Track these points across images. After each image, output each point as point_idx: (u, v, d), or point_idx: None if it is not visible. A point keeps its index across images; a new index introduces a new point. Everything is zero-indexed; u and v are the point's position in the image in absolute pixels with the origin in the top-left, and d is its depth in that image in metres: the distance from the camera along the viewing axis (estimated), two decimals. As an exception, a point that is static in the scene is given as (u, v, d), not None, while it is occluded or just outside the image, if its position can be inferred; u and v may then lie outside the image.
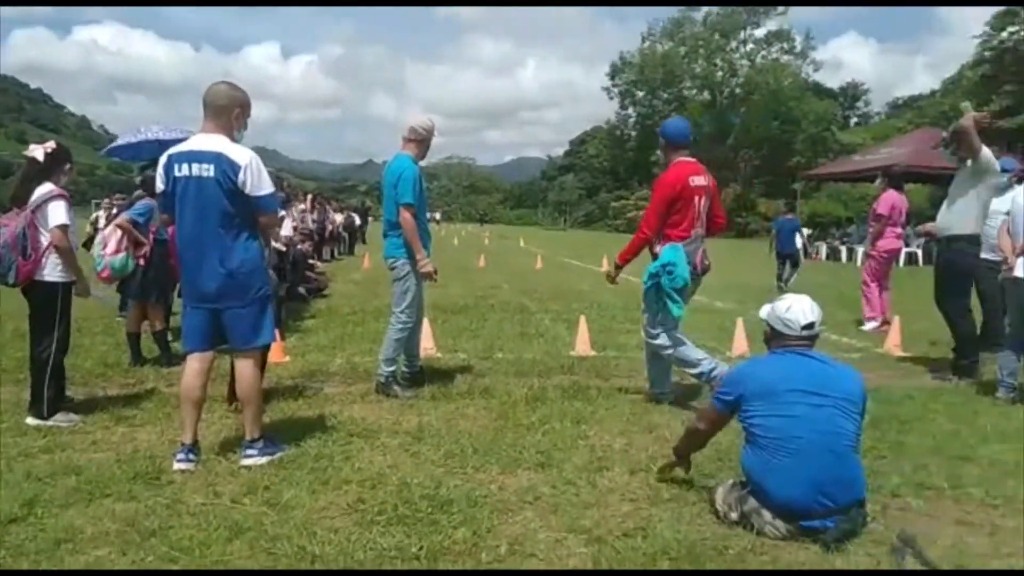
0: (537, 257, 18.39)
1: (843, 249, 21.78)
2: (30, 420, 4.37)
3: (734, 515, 3.02)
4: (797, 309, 3.12)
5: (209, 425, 4.37)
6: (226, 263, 3.62)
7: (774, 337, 3.21)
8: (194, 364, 3.78)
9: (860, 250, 19.39)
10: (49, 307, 4.42)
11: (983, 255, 6.59)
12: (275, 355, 6.18)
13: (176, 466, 3.62)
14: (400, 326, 5.12)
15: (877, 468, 3.65)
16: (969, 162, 5.77)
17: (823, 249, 22.76)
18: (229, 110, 3.68)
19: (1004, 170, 6.78)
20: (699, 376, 4.83)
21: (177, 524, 2.99)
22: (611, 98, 58.91)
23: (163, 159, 3.70)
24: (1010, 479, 3.56)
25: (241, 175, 3.54)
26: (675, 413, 4.68)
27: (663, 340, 4.77)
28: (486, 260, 18.62)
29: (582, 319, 7.06)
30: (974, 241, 5.81)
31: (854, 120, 64.32)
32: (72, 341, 6.59)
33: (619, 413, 4.67)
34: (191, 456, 3.68)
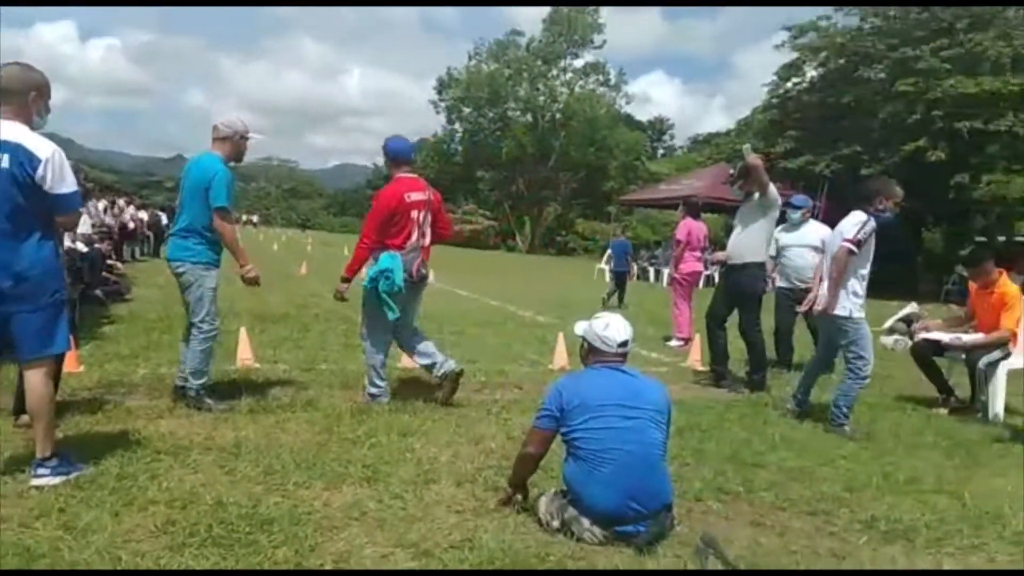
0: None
1: (651, 270, 23.39)
2: None
3: (556, 523, 3.14)
4: (614, 328, 3.32)
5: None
6: (15, 263, 3.27)
7: (591, 352, 3.38)
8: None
9: (666, 271, 20.95)
10: None
11: (780, 284, 7.45)
12: (69, 364, 5.57)
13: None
14: (203, 336, 4.80)
15: (682, 474, 3.95)
16: (756, 196, 6.44)
17: (635, 268, 24.30)
18: (24, 94, 3.34)
19: (796, 206, 7.66)
20: (428, 367, 5.30)
21: (-51, 556, 2.62)
22: (438, 112, 59.32)
23: None
24: (795, 483, 3.99)
25: (40, 169, 3.24)
26: (500, 424, 4.78)
27: (368, 344, 5.20)
28: (308, 267, 18.01)
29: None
30: (762, 267, 6.58)
31: (660, 152, 69.53)
32: None
33: (445, 425, 4.69)
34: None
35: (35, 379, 3.41)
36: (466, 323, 9.59)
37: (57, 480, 3.34)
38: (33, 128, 3.37)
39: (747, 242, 6.47)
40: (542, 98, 56.71)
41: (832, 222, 8.94)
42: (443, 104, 58.56)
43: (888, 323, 11.05)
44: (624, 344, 3.32)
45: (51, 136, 3.50)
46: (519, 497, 3.39)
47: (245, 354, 6.23)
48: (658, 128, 72.82)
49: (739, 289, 6.61)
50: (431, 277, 5.32)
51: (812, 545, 3.19)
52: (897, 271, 19.77)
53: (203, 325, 4.80)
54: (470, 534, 3.07)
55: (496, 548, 2.92)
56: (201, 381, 4.84)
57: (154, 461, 3.72)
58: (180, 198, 4.87)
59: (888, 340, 9.91)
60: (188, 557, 2.72)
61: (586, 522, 3.06)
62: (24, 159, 3.22)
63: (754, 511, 3.57)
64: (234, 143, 4.88)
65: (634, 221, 40.95)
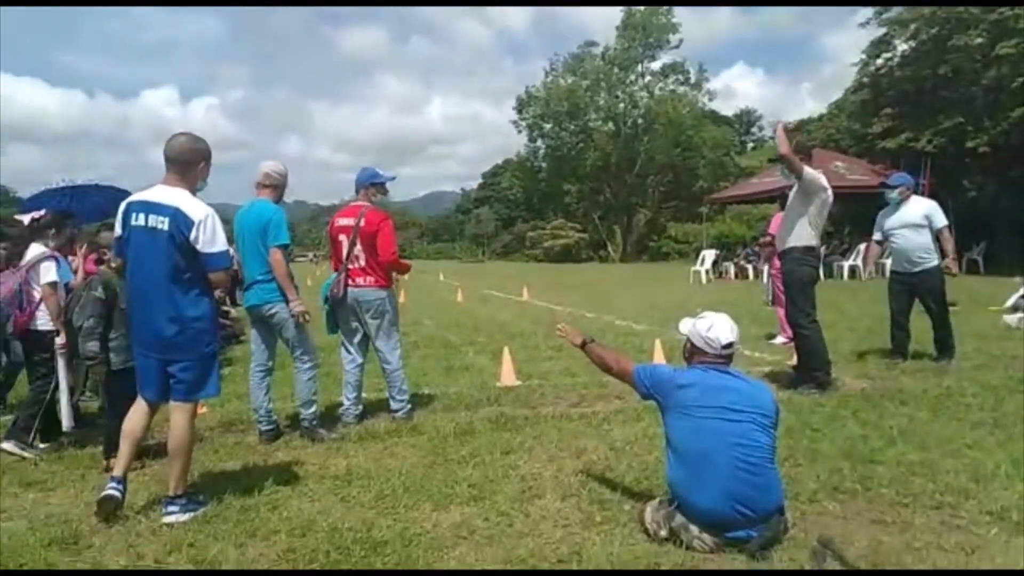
0: (457, 290, 18.39)
1: (750, 268, 22.69)
2: (5, 444, 4.87)
3: (663, 532, 3.10)
4: (718, 328, 3.26)
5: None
6: (177, 318, 3.61)
7: (695, 353, 3.34)
8: (143, 405, 3.81)
9: (766, 269, 20.29)
10: (44, 352, 5.08)
11: (892, 268, 7.04)
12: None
13: (106, 493, 3.58)
14: (307, 367, 5.06)
15: (794, 475, 3.83)
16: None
17: (731, 269, 23.65)
18: (192, 164, 3.71)
19: (892, 186, 7.29)
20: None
21: (96, 591, 2.85)
22: (519, 131, 59.80)
23: (123, 206, 3.72)
24: (917, 478, 3.78)
25: (194, 231, 3.54)
26: (602, 436, 4.76)
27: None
28: (406, 295, 18.48)
29: (505, 350, 7.11)
30: (808, 252, 6.06)
31: (750, 145, 67.48)
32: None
33: (547, 440, 4.72)
34: (119, 486, 3.63)
35: (181, 420, 3.72)
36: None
37: (186, 517, 3.57)
38: (194, 193, 3.70)
39: (788, 226, 6.18)
40: (622, 105, 56.33)
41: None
42: (524, 123, 59.05)
43: (1011, 300, 10.37)
44: (729, 346, 3.26)
45: None
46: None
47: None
48: (746, 121, 70.84)
49: (786, 276, 6.33)
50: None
51: (937, 541, 3.01)
52: (1018, 244, 18.44)
53: (304, 357, 5.05)
54: (578, 547, 3.08)
55: (604, 560, 2.91)
56: (312, 411, 5.06)
57: (273, 492, 3.91)
58: (241, 247, 5.00)
59: (1012, 318, 9.29)
60: (309, 582, 2.85)
61: (695, 529, 3.01)
62: (181, 221, 3.53)
63: (874, 509, 3.41)
64: (280, 188, 5.13)
65: (727, 219, 39.87)
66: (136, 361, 3.84)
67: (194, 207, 3.59)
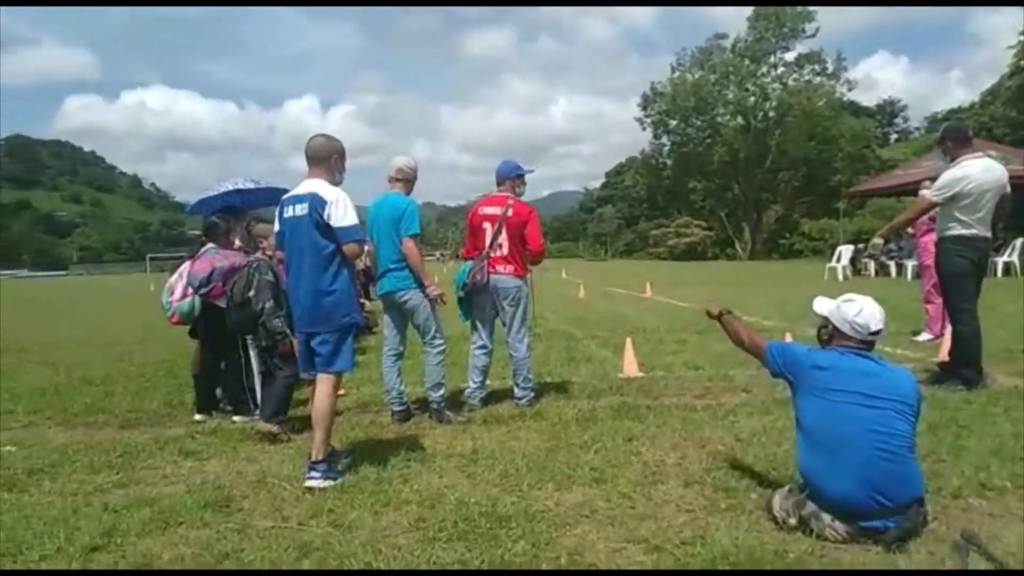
0: (579, 287, 18.43)
1: (891, 264, 21.32)
2: (237, 419, 5.46)
3: (792, 520, 3.02)
4: (868, 314, 3.13)
5: (272, 454, 4.54)
6: (317, 291, 4.01)
7: (836, 336, 3.21)
8: (314, 387, 4.17)
9: (910, 264, 19.01)
10: (224, 330, 5.46)
11: None
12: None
13: (307, 483, 3.86)
14: (437, 351, 5.24)
15: (937, 471, 3.62)
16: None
17: (871, 265, 22.29)
18: (327, 158, 4.14)
19: None
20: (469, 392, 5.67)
21: (248, 547, 3.11)
22: (644, 128, 58.97)
23: (279, 205, 4.23)
24: (1076, 477, 3.49)
25: (327, 209, 3.94)
26: (727, 428, 4.67)
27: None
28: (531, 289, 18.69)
29: (628, 342, 7.09)
30: (958, 242, 5.62)
31: (894, 137, 63.39)
32: (137, 384, 6.91)
33: (670, 429, 4.69)
34: (317, 471, 3.93)
35: (322, 391, 4.07)
36: (688, 332, 9.43)
37: (326, 484, 3.84)
38: (335, 183, 4.11)
39: (938, 217, 5.81)
40: (753, 98, 54.38)
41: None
42: (648, 119, 58.20)
43: None
44: (877, 332, 3.12)
45: None
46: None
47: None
48: (888, 111, 66.53)
49: (937, 269, 5.96)
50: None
51: (1100, 541, 2.77)
52: None
53: (435, 341, 5.23)
54: (701, 531, 3.06)
55: (729, 544, 2.87)
56: (440, 393, 5.25)
57: (405, 467, 4.13)
58: (375, 237, 5.18)
59: None
60: (438, 550, 2.99)
61: (827, 518, 2.91)
62: (316, 203, 3.95)
63: (1026, 507, 3.17)
64: (411, 183, 5.31)
65: (867, 214, 37.59)
66: (297, 338, 4.31)
67: (327, 190, 4.00)
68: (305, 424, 5.15)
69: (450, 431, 4.92)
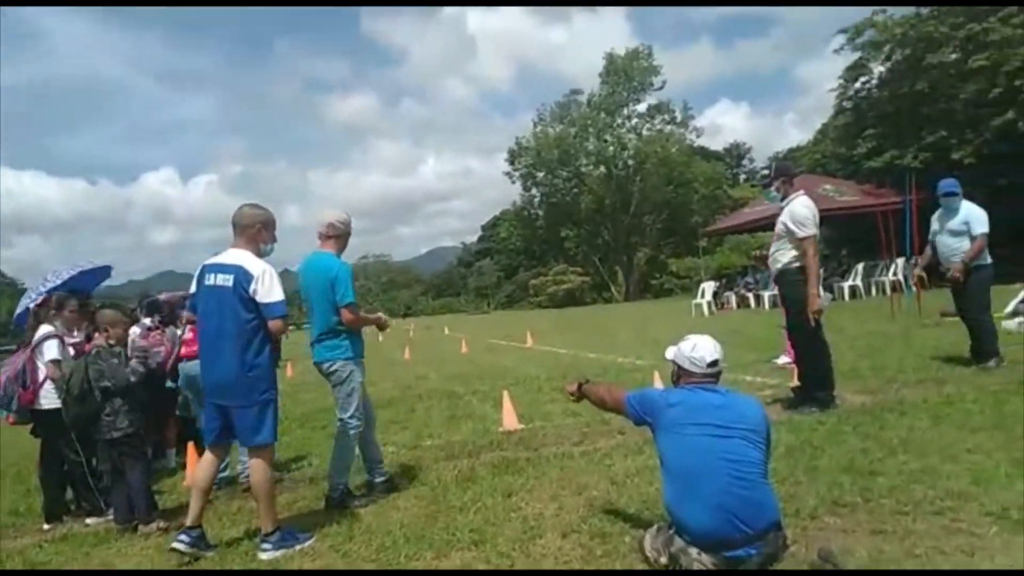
0: (462, 342, 18.41)
1: (750, 296, 22.71)
2: (90, 520, 5.07)
3: (663, 559, 3.08)
4: (702, 347, 3.31)
5: (128, 556, 4.20)
6: (239, 366, 3.93)
7: (682, 375, 3.38)
8: (208, 455, 4.15)
9: (766, 295, 20.30)
10: (56, 430, 5.10)
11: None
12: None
13: (174, 545, 3.89)
14: (352, 431, 4.73)
15: (794, 493, 3.81)
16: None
17: (732, 298, 23.66)
18: (252, 227, 4.12)
19: (950, 193, 7.32)
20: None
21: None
22: (513, 182, 60.62)
23: (198, 269, 4.16)
24: (917, 485, 3.76)
25: (253, 284, 3.92)
26: (603, 472, 4.74)
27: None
28: (411, 352, 18.49)
29: (505, 395, 7.11)
30: (803, 272, 5.95)
31: (743, 177, 68.11)
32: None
33: (549, 479, 4.70)
34: (186, 538, 3.92)
35: (255, 464, 4.03)
36: (565, 379, 9.54)
37: (279, 553, 3.82)
38: (260, 255, 4.10)
39: (780, 249, 6.21)
40: (612, 148, 57.16)
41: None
42: (517, 173, 59.82)
43: (1010, 306, 10.35)
44: (714, 363, 3.28)
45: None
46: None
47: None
48: (735, 154, 71.60)
49: (782, 299, 6.50)
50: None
51: (938, 545, 2.99)
52: (1014, 251, 18.43)
53: (351, 420, 4.72)
54: (579, 581, 3.06)
55: (604, 591, 2.89)
56: (344, 480, 4.76)
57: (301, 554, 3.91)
58: (307, 304, 4.81)
59: (1012, 323, 9.27)
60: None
61: (694, 552, 2.98)
62: (242, 277, 3.93)
63: (874, 519, 3.39)
64: (344, 239, 4.88)
65: (726, 250, 40.06)
66: (204, 409, 4.24)
67: (253, 263, 3.99)
68: (173, 514, 4.82)
69: (322, 510, 4.71)
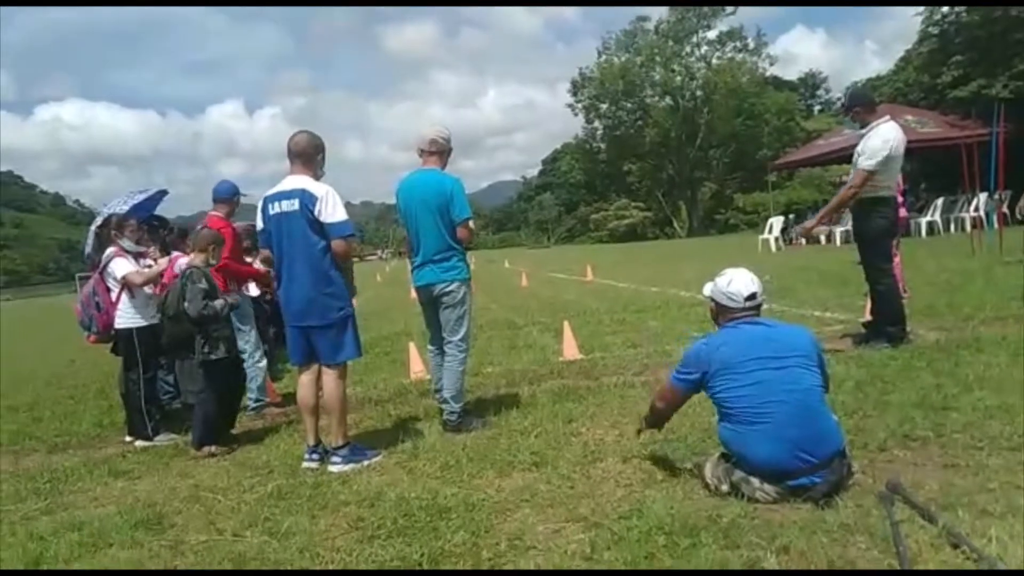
0: (522, 275, 18.47)
1: (820, 234, 21.96)
2: (138, 443, 5.18)
3: (724, 487, 3.07)
4: (739, 282, 3.21)
5: (206, 467, 4.43)
6: (310, 285, 4.07)
7: (720, 312, 3.30)
8: (303, 377, 4.32)
9: (838, 231, 19.62)
10: (129, 348, 5.28)
11: None
12: (272, 395, 6.21)
13: (304, 465, 4.14)
14: (462, 356, 4.66)
15: (863, 426, 3.74)
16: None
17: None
18: (311, 155, 4.20)
19: None
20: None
21: (181, 563, 3.03)
22: (576, 114, 59.56)
23: (260, 202, 4.24)
24: (993, 421, 3.64)
25: (318, 205, 4.00)
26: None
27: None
28: (473, 284, 18.67)
29: (566, 325, 7.12)
30: (877, 204, 5.72)
31: (817, 108, 65.20)
32: (65, 408, 6.65)
33: (609, 408, 4.73)
34: (314, 456, 4.18)
35: (329, 380, 4.18)
36: (626, 312, 9.56)
37: (348, 467, 4.02)
38: (317, 178, 4.17)
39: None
40: (679, 78, 55.37)
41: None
42: (580, 105, 58.68)
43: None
44: (752, 297, 3.19)
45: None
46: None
47: (417, 367, 6.61)
48: (811, 84, 68.40)
49: (854, 230, 6.20)
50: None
51: (1013, 480, 2.89)
52: None
53: (462, 344, 4.66)
54: (638, 504, 3.09)
55: (665, 514, 2.91)
56: (461, 404, 4.66)
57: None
58: (411, 223, 4.61)
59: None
60: (376, 547, 2.95)
61: (756, 481, 2.97)
62: (307, 199, 4.02)
63: (946, 454, 3.30)
64: (447, 155, 4.72)
65: (796, 185, 38.69)
66: (287, 332, 4.32)
67: (316, 186, 4.07)
68: (247, 437, 5.05)
69: (391, 428, 4.87)
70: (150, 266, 5.62)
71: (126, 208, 5.84)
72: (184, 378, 5.23)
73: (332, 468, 4.04)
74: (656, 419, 3.54)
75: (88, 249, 5.83)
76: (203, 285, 4.83)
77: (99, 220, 5.73)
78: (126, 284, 5.25)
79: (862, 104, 6.05)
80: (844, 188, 5.99)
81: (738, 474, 3.03)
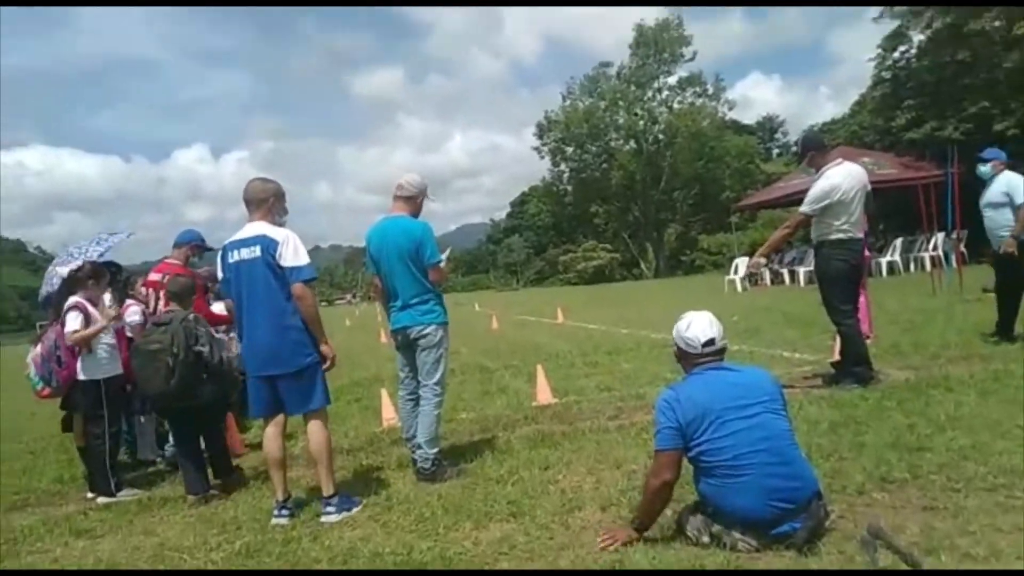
0: (492, 318, 18.42)
1: (785, 272, 22.34)
2: (100, 499, 4.99)
3: (705, 538, 3.01)
4: (696, 327, 3.17)
5: (171, 524, 4.25)
6: (273, 333, 3.99)
7: (683, 357, 3.26)
8: (269, 429, 4.21)
9: (802, 271, 19.97)
10: (95, 400, 5.06)
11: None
12: (238, 447, 6.05)
13: (274, 521, 4.00)
14: (438, 399, 4.63)
15: (840, 469, 3.73)
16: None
17: (767, 275, 23.29)
18: (265, 200, 4.15)
19: (987, 159, 7.12)
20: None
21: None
22: (542, 157, 60.29)
23: (220, 251, 4.20)
24: (968, 462, 3.65)
25: (279, 248, 3.97)
26: (640, 446, 4.69)
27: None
28: (441, 328, 18.56)
29: (539, 369, 7.07)
30: (838, 246, 5.82)
31: (776, 151, 66.93)
32: (24, 462, 6.39)
33: (586, 454, 4.67)
34: (284, 511, 4.06)
35: (313, 427, 4.10)
36: (598, 354, 9.54)
37: (340, 517, 3.95)
38: (275, 224, 4.13)
39: (815, 222, 5.98)
40: (642, 122, 56.53)
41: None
42: (546, 148, 59.46)
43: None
44: (710, 343, 3.13)
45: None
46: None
47: (389, 413, 6.50)
48: (768, 127, 70.37)
49: (816, 272, 6.27)
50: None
51: (993, 523, 2.89)
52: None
53: (437, 387, 4.62)
54: (620, 555, 3.02)
55: (647, 565, 2.86)
56: (436, 450, 4.57)
57: (314, 523, 3.95)
58: (386, 270, 4.61)
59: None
60: (352, 607, 2.84)
61: (736, 533, 2.92)
62: (268, 245, 3.98)
63: (924, 496, 3.30)
64: (418, 203, 4.75)
65: (759, 226, 39.47)
66: (248, 386, 4.24)
67: (275, 231, 4.05)
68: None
69: (362, 479, 4.74)
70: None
71: (101, 252, 5.67)
72: (176, 424, 5.11)
73: (325, 519, 3.95)
74: (659, 499, 3.07)
75: (51, 290, 5.54)
76: (206, 330, 4.82)
77: (74, 264, 5.40)
78: (76, 341, 4.97)
79: (815, 148, 6.20)
80: (780, 228, 6.17)
81: (717, 526, 2.98)
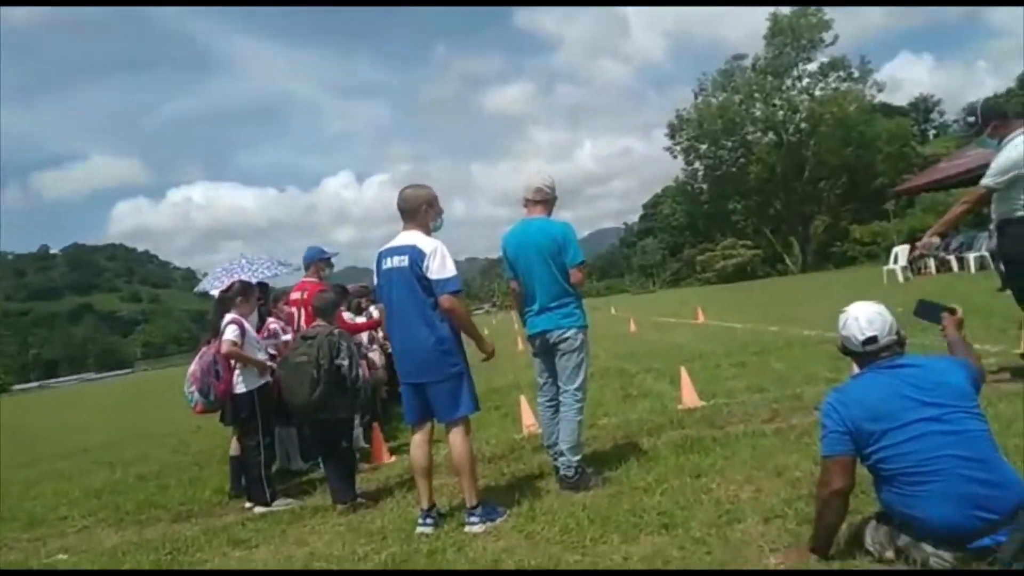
0: (630, 321, 18.03)
1: (952, 259, 20.41)
2: (257, 509, 5.16)
3: (889, 553, 2.65)
4: (853, 324, 2.79)
5: (322, 534, 4.32)
6: (425, 342, 4.00)
7: (848, 354, 2.90)
8: (416, 437, 4.23)
9: (971, 256, 18.19)
10: (250, 412, 5.27)
11: None
12: (380, 456, 6.15)
13: (418, 530, 3.98)
14: (579, 405, 4.45)
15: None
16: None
17: (931, 263, 21.35)
18: (417, 209, 4.17)
19: None
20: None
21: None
22: (675, 156, 58.86)
23: (376, 257, 4.25)
24: None
25: (426, 260, 3.96)
26: (802, 451, 4.29)
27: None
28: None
29: (683, 371, 6.73)
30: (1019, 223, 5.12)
31: (932, 132, 61.85)
32: (191, 474, 6.78)
33: (740, 460, 4.32)
34: (428, 520, 4.04)
35: (455, 438, 4.07)
36: (745, 354, 9.01)
37: (484, 527, 3.87)
38: (430, 232, 4.17)
39: (998, 199, 5.24)
40: (781, 112, 54.00)
41: None
42: (678, 148, 58.06)
43: None
44: (872, 341, 2.73)
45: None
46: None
47: (529, 420, 6.39)
48: (922, 108, 65.13)
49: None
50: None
51: None
52: None
53: (579, 392, 4.47)
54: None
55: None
56: (579, 457, 4.40)
57: (458, 533, 3.87)
58: (523, 272, 4.52)
59: None
60: (498, 622, 2.71)
61: (928, 547, 2.53)
62: (416, 256, 3.99)
63: None
64: (551, 203, 4.66)
65: (918, 211, 36.45)
66: (402, 390, 4.34)
67: (424, 241, 4.04)
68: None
69: (504, 489, 4.63)
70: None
71: (268, 276, 6.14)
72: (316, 438, 5.30)
73: (470, 529, 3.88)
74: (834, 513, 2.72)
75: (207, 287, 6.08)
76: (349, 344, 4.94)
77: (224, 284, 5.73)
78: (228, 355, 5.20)
79: (997, 117, 5.47)
80: (958, 204, 5.44)
81: (904, 538, 2.60)
